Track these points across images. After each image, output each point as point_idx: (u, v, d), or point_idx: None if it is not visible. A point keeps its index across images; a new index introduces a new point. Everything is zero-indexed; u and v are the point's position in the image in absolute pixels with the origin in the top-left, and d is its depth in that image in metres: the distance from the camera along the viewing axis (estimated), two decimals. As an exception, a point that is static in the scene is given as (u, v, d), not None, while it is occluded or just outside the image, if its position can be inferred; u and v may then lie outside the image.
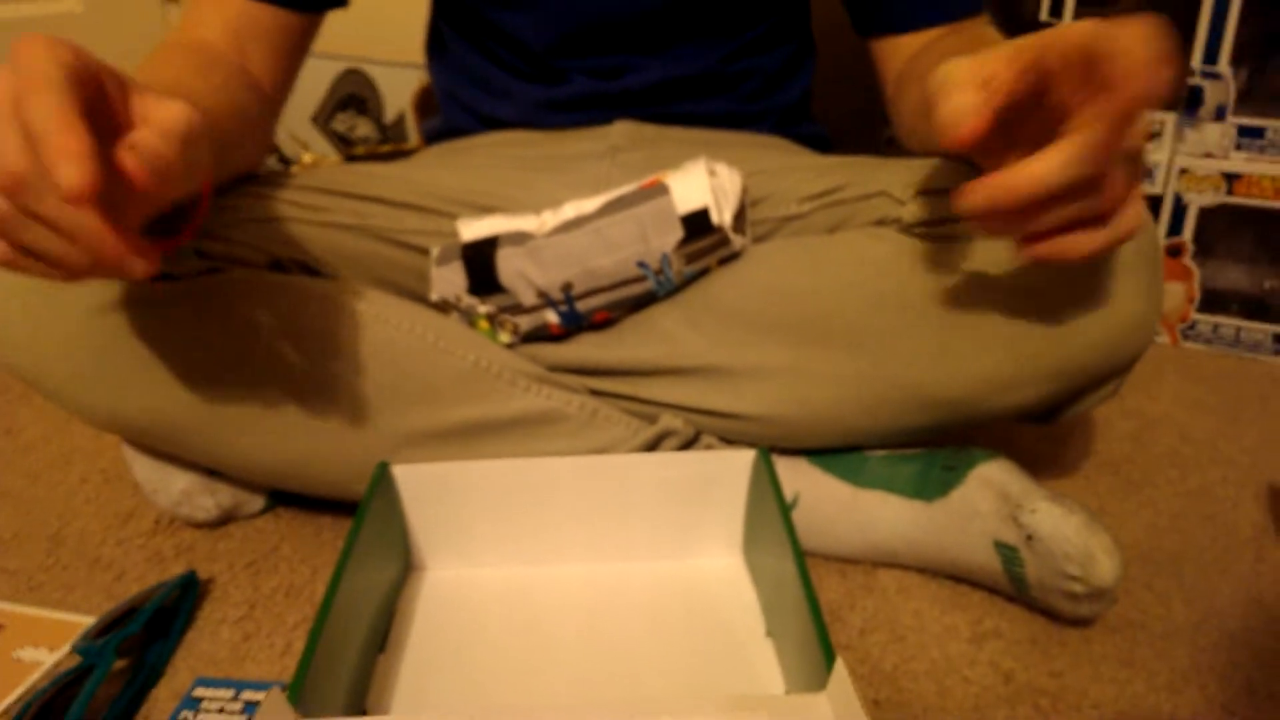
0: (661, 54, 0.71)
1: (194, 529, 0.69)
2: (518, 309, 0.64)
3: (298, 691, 0.43)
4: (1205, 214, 0.95)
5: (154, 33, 1.64)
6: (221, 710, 0.52)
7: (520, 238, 0.63)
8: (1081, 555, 0.54)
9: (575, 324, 0.65)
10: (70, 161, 0.36)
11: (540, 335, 0.66)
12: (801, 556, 0.50)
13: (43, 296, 0.57)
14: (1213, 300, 0.98)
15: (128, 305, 0.56)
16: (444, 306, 0.65)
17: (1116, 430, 0.82)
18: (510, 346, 0.65)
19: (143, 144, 0.39)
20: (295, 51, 0.68)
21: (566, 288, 0.62)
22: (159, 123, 0.41)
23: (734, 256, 0.63)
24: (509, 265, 0.63)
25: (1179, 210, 0.96)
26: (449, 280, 0.64)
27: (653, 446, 0.63)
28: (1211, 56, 0.91)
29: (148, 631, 0.56)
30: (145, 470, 0.66)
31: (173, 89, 0.52)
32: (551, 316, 0.64)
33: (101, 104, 0.41)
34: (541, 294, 0.63)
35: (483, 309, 0.64)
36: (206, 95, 0.55)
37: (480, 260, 0.63)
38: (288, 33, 0.66)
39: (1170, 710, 0.52)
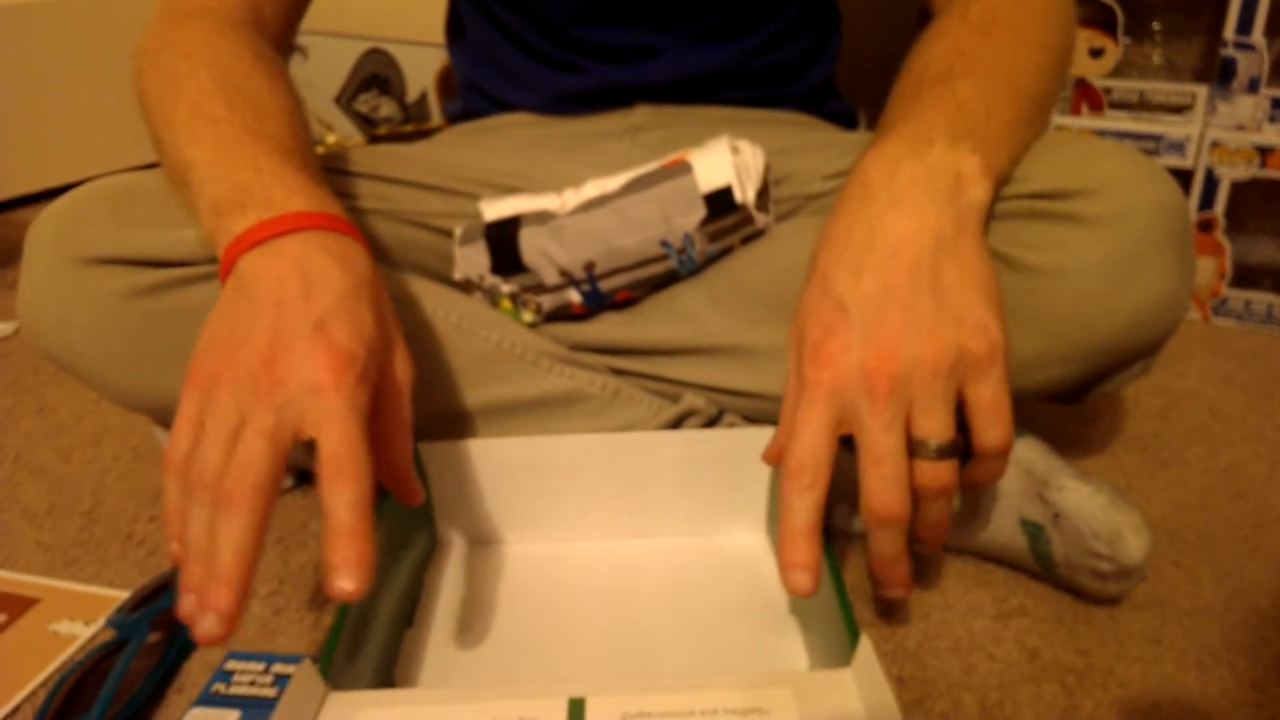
0: (684, 28, 0.70)
1: (224, 506, 0.70)
2: (540, 288, 0.64)
3: (328, 664, 0.43)
4: (1237, 188, 0.94)
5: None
6: (253, 683, 0.53)
7: (543, 217, 0.63)
8: (1109, 533, 0.54)
9: (598, 303, 0.65)
10: (344, 581, 0.39)
11: (563, 315, 0.66)
12: (825, 534, 0.50)
13: (72, 282, 0.57)
14: (1245, 275, 0.97)
15: (157, 289, 0.57)
16: (467, 286, 0.66)
17: (1145, 407, 0.81)
18: (533, 326, 0.65)
19: (340, 565, 0.40)
20: (302, 8, 0.67)
21: (589, 267, 0.62)
22: (348, 508, 0.40)
23: (757, 235, 0.63)
24: (531, 244, 0.63)
25: (1210, 184, 0.95)
26: (472, 260, 0.64)
27: (675, 425, 0.63)
28: (1245, 27, 0.89)
29: (180, 606, 0.57)
30: (175, 448, 0.67)
31: (264, 118, 0.52)
32: (574, 296, 0.64)
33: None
34: (564, 273, 0.63)
35: (506, 288, 0.65)
36: (284, 112, 0.53)
37: (503, 240, 0.63)
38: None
39: (1199, 688, 0.52)
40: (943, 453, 0.44)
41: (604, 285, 0.64)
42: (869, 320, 0.44)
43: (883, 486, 0.43)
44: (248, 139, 0.50)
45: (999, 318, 0.44)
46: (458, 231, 0.65)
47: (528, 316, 0.66)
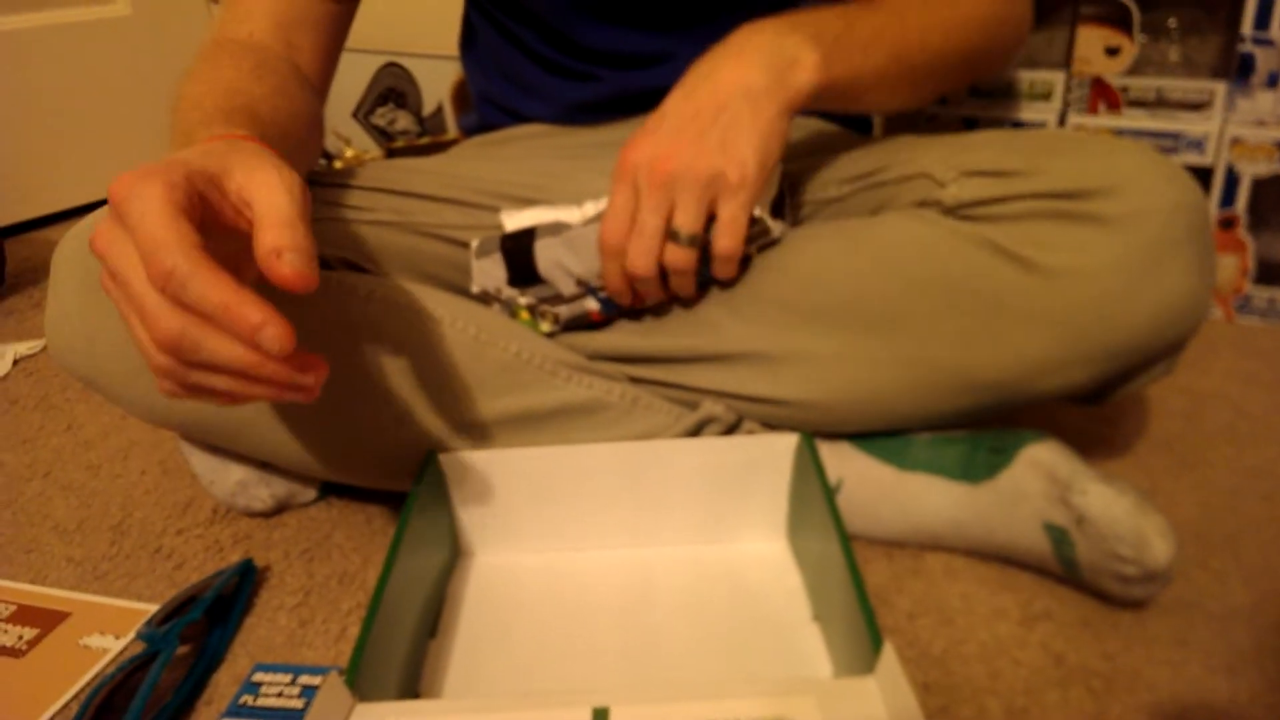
0: (696, 32, 0.70)
1: (250, 519, 0.71)
2: (558, 299, 0.64)
3: (354, 676, 0.44)
4: (1259, 184, 0.93)
5: (202, 34, 1.66)
6: (280, 694, 0.53)
7: (557, 228, 0.63)
8: (1134, 537, 0.53)
9: (616, 310, 0.65)
10: (267, 329, 0.39)
11: (581, 324, 0.66)
12: (847, 540, 0.50)
13: (98, 302, 0.58)
14: (1268, 273, 0.96)
15: None
16: (485, 298, 0.66)
17: (1168, 408, 0.81)
18: (551, 335, 0.66)
19: (287, 246, 0.41)
20: (339, 37, 0.70)
21: (581, 282, 0.63)
22: (274, 211, 0.42)
23: (773, 243, 0.63)
24: (547, 255, 0.63)
25: (1231, 181, 0.94)
26: (489, 273, 0.65)
27: (695, 433, 0.63)
28: (1263, 22, 0.88)
29: (208, 618, 0.58)
30: (202, 463, 0.68)
31: (233, 96, 0.55)
32: (591, 304, 0.64)
33: (205, 210, 0.43)
34: (581, 282, 0.63)
35: (523, 300, 0.65)
36: (267, 99, 0.56)
37: (518, 251, 0.64)
38: (331, 19, 0.68)
39: (1228, 692, 0.51)
40: (690, 241, 0.57)
41: None
42: (673, 130, 0.57)
43: (639, 252, 0.58)
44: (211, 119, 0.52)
45: (759, 162, 0.56)
46: (474, 244, 0.65)
47: (546, 327, 0.66)
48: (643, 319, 0.66)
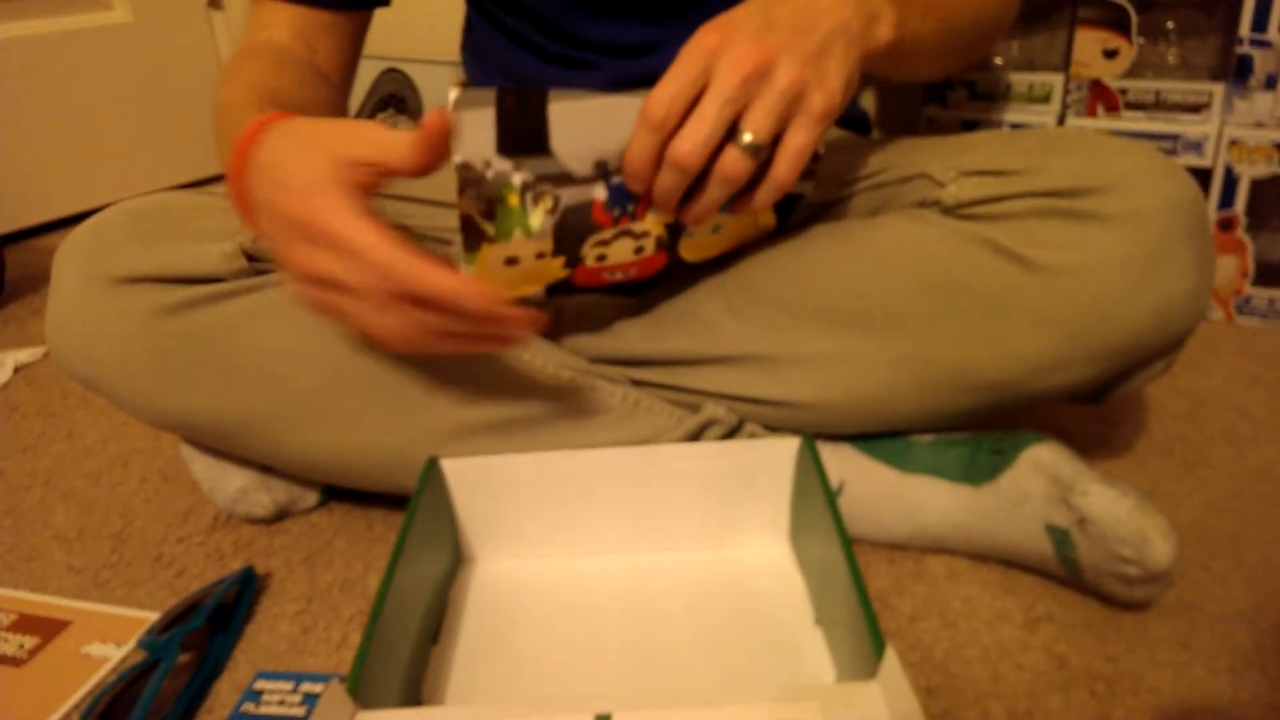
0: (686, 19, 0.70)
1: (251, 525, 0.71)
2: (564, 178, 0.53)
3: (356, 683, 0.44)
4: (1257, 186, 0.93)
5: (202, 40, 1.67)
6: (282, 702, 0.53)
7: (576, 94, 0.52)
8: (1135, 538, 0.53)
9: (620, 207, 0.55)
10: (518, 323, 0.49)
11: (578, 225, 0.55)
12: (849, 543, 0.50)
13: (100, 301, 0.58)
14: (1267, 273, 0.96)
15: (184, 307, 0.58)
16: (466, 182, 0.51)
17: (1169, 409, 0.81)
18: (538, 237, 0.54)
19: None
20: (356, 42, 0.73)
21: (601, 164, 0.53)
22: (398, 144, 0.48)
23: (795, 202, 0.61)
24: (564, 121, 0.51)
25: (1230, 182, 0.94)
26: (474, 134, 0.50)
27: (696, 435, 0.63)
28: (1260, 24, 0.89)
29: (210, 626, 0.58)
30: (203, 469, 0.68)
31: (259, 92, 0.59)
32: (600, 192, 0.54)
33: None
34: (599, 164, 0.53)
35: (517, 177, 0.52)
36: (287, 90, 0.59)
37: (523, 112, 0.50)
38: (347, 26, 0.71)
39: (1231, 694, 0.51)
40: (755, 152, 0.51)
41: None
42: (770, 27, 0.50)
43: (693, 134, 0.50)
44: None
45: (842, 100, 0.51)
46: (454, 94, 0.50)
47: (538, 219, 0.54)
48: (642, 322, 0.66)
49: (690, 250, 0.62)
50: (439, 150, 0.47)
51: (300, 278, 0.49)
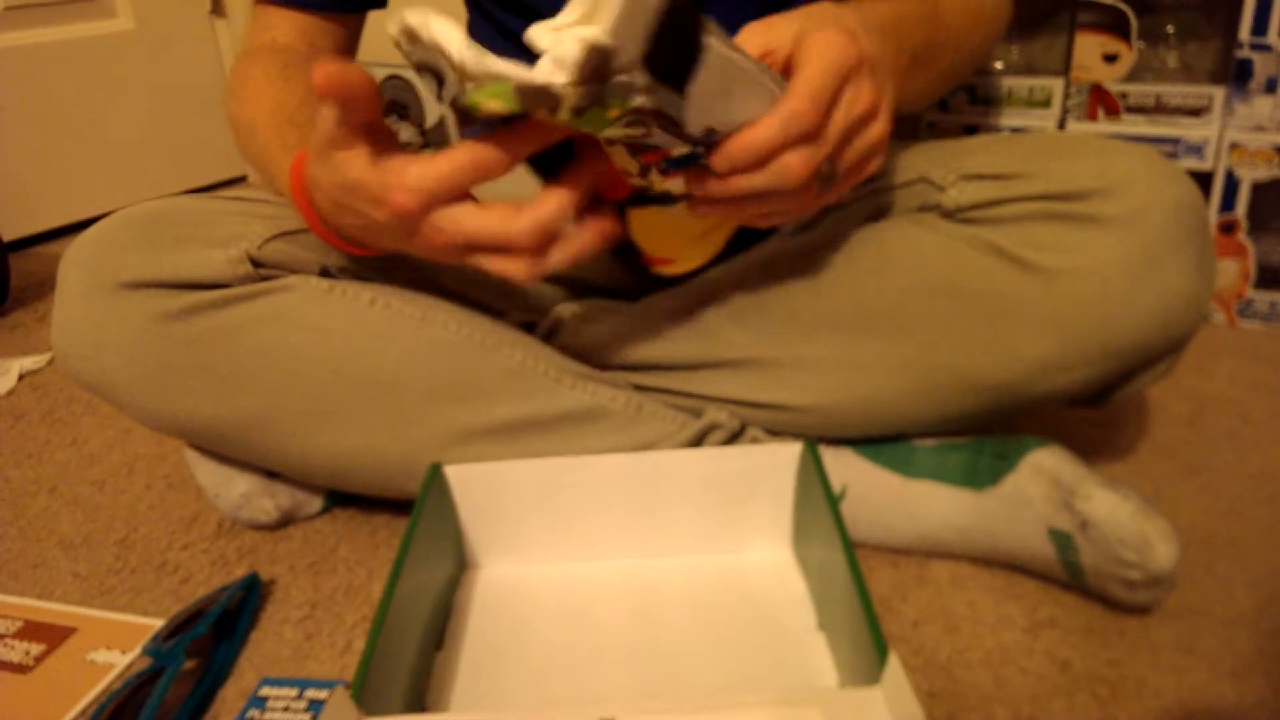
0: None
1: (255, 532, 0.71)
2: (669, 124, 0.44)
3: (360, 690, 0.44)
4: (1258, 189, 0.93)
5: (205, 47, 1.67)
6: (287, 709, 0.53)
7: (726, 41, 0.44)
8: (1138, 541, 0.53)
9: (681, 168, 0.49)
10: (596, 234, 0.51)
11: (651, 166, 0.49)
12: (851, 548, 0.50)
13: (105, 307, 0.59)
14: (1269, 276, 0.96)
15: (189, 313, 0.58)
16: (591, 69, 0.39)
17: (1172, 413, 0.81)
18: (618, 142, 0.47)
19: None
20: (355, 40, 0.75)
21: (710, 131, 0.46)
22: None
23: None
24: (716, 70, 0.43)
25: (1231, 186, 0.94)
26: (626, 25, 0.38)
27: (699, 440, 0.63)
28: (1260, 28, 0.89)
29: (215, 632, 0.58)
30: (207, 474, 0.68)
31: (275, 114, 0.61)
32: (681, 147, 0.47)
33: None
34: (709, 130, 0.45)
35: (638, 99, 0.41)
36: (302, 107, 0.61)
37: (679, 30, 0.41)
38: (346, 27, 0.72)
39: (1234, 698, 0.51)
40: (825, 179, 0.49)
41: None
42: (876, 69, 0.48)
43: (809, 160, 0.46)
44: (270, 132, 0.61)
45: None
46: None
47: (613, 147, 0.48)
48: (645, 328, 0.66)
49: (638, 223, 0.61)
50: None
51: (426, 254, 0.52)
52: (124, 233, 0.60)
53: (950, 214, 0.59)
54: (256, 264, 0.60)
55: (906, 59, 0.54)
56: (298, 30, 0.69)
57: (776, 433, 0.64)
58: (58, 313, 0.60)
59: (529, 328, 0.68)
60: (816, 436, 0.63)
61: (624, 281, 0.72)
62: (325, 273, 0.63)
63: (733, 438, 0.64)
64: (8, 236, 1.43)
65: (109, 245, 0.59)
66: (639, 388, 0.65)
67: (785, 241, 0.64)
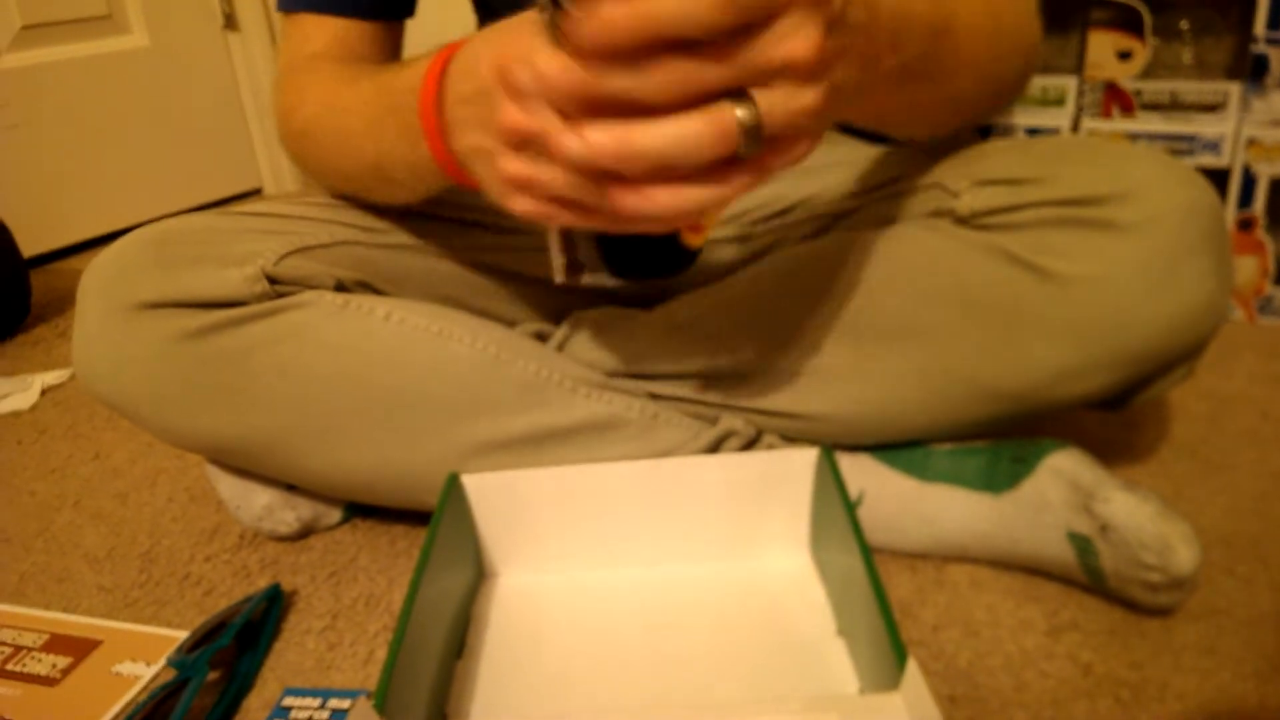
0: None
1: (276, 543, 0.71)
2: None
3: (383, 699, 0.44)
4: (1276, 185, 0.92)
5: (219, 61, 1.69)
6: (310, 718, 0.54)
7: None
8: (1158, 544, 0.53)
9: None
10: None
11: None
12: (869, 553, 0.50)
13: (123, 328, 0.59)
14: (1289, 273, 0.95)
15: (206, 332, 0.59)
16: None
17: (1191, 412, 0.80)
18: None
19: None
20: (398, 49, 0.72)
21: None
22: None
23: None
24: None
25: (1248, 182, 0.93)
26: None
27: (715, 448, 0.63)
28: (1276, 22, 0.88)
29: (238, 643, 0.59)
30: (228, 488, 0.68)
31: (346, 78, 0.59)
32: None
33: None
34: None
35: None
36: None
37: None
38: (387, 34, 0.69)
39: (1258, 699, 0.51)
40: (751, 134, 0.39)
41: None
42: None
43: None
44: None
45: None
46: None
47: None
48: (659, 334, 0.66)
49: None
50: None
51: (507, 187, 0.44)
52: (140, 254, 0.61)
53: (964, 220, 0.59)
54: (272, 280, 0.61)
55: (894, 61, 0.46)
56: (337, 40, 0.67)
57: (792, 440, 0.64)
58: (78, 334, 0.61)
59: (542, 337, 0.69)
60: (832, 443, 0.63)
61: (634, 288, 0.72)
62: (340, 286, 0.63)
63: (748, 445, 0.64)
64: (28, 252, 1.45)
65: (125, 266, 0.60)
66: (654, 396, 0.65)
67: (797, 249, 0.64)
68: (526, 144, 0.41)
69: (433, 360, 0.60)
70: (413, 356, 0.60)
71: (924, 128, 0.60)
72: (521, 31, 0.41)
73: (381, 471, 0.62)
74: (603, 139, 0.38)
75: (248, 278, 0.60)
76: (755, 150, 0.39)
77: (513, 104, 0.41)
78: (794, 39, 0.36)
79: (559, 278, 0.51)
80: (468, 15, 0.81)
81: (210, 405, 0.60)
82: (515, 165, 0.42)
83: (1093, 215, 0.54)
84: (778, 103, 0.38)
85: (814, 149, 0.41)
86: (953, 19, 0.53)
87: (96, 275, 0.61)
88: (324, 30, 0.67)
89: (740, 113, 0.37)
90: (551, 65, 0.38)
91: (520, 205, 0.44)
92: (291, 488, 0.69)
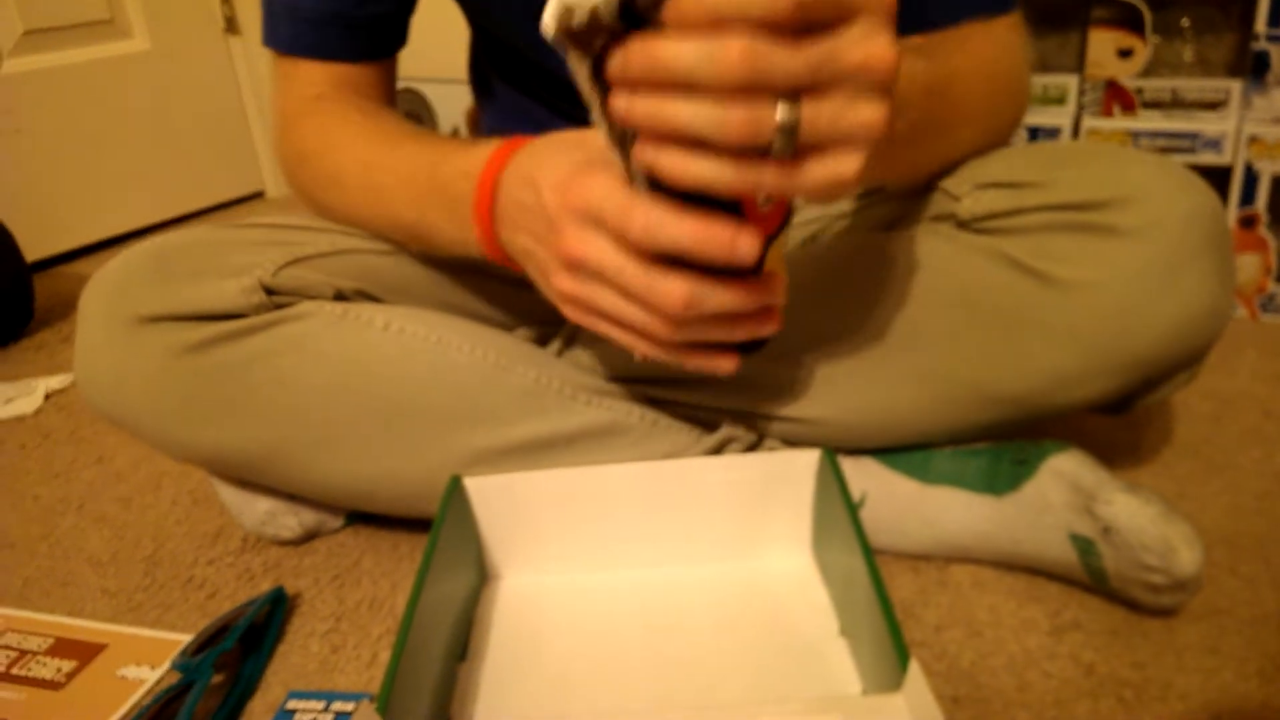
0: None
1: (280, 546, 0.72)
2: None
3: (386, 702, 0.44)
4: (1278, 182, 0.92)
5: (221, 65, 1.69)
6: (314, 721, 0.54)
7: None
8: (1160, 546, 0.53)
9: None
10: (740, 236, 0.41)
11: None
12: (871, 554, 0.50)
13: (125, 342, 0.59)
14: (1292, 271, 0.95)
15: (206, 345, 0.59)
16: None
17: (1194, 411, 0.80)
18: None
19: None
20: (394, 79, 0.72)
21: None
22: None
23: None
24: None
25: (1250, 180, 0.93)
26: None
27: (716, 452, 0.63)
28: (1277, 19, 0.88)
29: (242, 647, 0.59)
30: (231, 494, 0.69)
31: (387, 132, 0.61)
32: None
33: None
34: None
35: None
36: (406, 131, 0.60)
37: None
38: (382, 74, 0.69)
39: (1261, 699, 0.51)
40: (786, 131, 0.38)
41: None
42: None
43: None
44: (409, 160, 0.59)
45: None
46: None
47: None
48: None
49: None
50: None
51: (559, 298, 0.49)
52: (140, 267, 0.61)
53: (965, 224, 0.59)
54: (271, 291, 0.61)
55: (899, 126, 0.44)
56: (335, 82, 0.67)
57: (794, 444, 0.64)
58: (79, 347, 0.62)
59: (542, 342, 0.69)
60: (834, 447, 0.63)
61: None
62: (340, 295, 0.63)
63: (750, 449, 0.64)
64: (30, 257, 1.45)
65: (126, 280, 0.60)
66: (654, 402, 0.65)
67: (798, 255, 0.64)
68: (581, 267, 0.45)
69: (432, 369, 0.60)
70: (412, 366, 0.60)
71: (918, 178, 0.62)
72: (588, 157, 0.45)
73: (382, 481, 0.62)
74: (674, 289, 0.43)
75: (245, 289, 0.60)
76: (788, 146, 0.37)
77: (575, 235, 0.45)
78: (871, 43, 0.35)
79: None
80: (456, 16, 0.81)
81: (211, 418, 0.60)
82: (569, 284, 0.47)
83: (1094, 220, 0.54)
84: (831, 109, 0.36)
85: (857, 182, 0.39)
86: (952, 78, 0.54)
87: (98, 290, 0.61)
88: (324, 73, 0.67)
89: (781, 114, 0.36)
90: (622, 210, 0.42)
91: (571, 315, 0.49)
92: (293, 495, 0.69)
